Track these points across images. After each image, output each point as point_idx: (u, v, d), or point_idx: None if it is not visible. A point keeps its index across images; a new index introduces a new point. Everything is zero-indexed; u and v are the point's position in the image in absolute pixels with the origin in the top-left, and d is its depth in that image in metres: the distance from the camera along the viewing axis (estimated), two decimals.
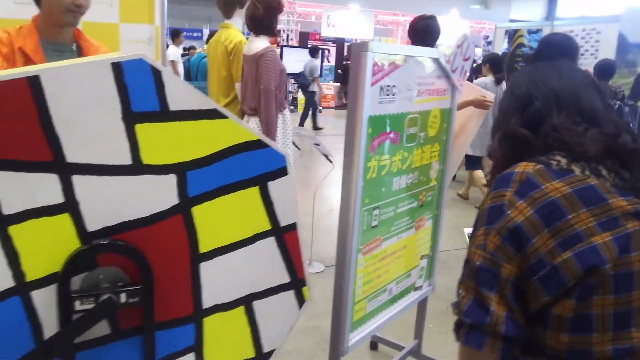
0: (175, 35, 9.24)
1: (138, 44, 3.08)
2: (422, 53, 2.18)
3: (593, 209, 1.02)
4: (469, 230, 1.88)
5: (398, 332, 2.96)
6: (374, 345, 3.04)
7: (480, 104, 2.95)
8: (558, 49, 2.75)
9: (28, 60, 1.94)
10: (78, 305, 1.08)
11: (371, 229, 2.04)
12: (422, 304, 2.74)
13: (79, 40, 2.03)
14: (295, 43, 17.11)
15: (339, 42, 17.40)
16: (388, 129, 2.00)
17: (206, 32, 13.19)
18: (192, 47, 12.39)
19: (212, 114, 1.16)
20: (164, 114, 1.12)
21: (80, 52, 2.04)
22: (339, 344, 1.97)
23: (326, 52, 16.18)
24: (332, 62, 17.14)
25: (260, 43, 3.04)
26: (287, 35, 17.72)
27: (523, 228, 1.02)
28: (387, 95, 1.93)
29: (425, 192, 2.38)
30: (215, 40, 3.37)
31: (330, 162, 4.11)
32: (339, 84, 16.05)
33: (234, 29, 3.37)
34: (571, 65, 1.26)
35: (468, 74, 2.50)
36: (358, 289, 2.04)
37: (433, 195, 2.48)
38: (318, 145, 4.04)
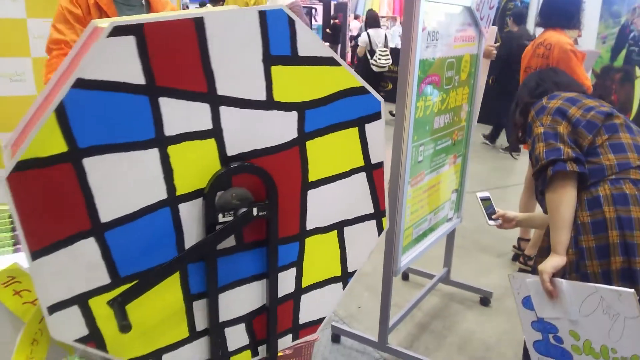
0: None
1: None
2: (459, 2, 2.40)
3: (594, 100, 1.79)
4: (481, 194, 2.15)
5: (423, 265, 3.26)
6: (405, 276, 3.32)
7: (488, 54, 3.15)
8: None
9: (102, 14, 2.05)
10: (221, 218, 1.26)
11: (417, 163, 2.28)
12: (450, 235, 3.05)
13: None
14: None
15: (325, 1, 16.66)
16: (433, 72, 2.22)
17: None
18: (203, 4, 12.25)
19: (330, 61, 1.34)
20: (293, 58, 1.28)
21: (148, 7, 2.15)
22: (393, 265, 2.22)
23: (313, 11, 15.80)
24: (320, 22, 16.66)
25: None
26: None
27: (561, 106, 1.75)
28: (433, 40, 2.15)
29: (457, 132, 2.63)
30: None
31: None
32: (327, 43, 15.83)
33: None
34: (561, 70, 2.12)
35: (492, 21, 2.75)
36: (407, 217, 2.28)
37: (463, 135, 2.73)
38: None
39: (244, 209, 1.25)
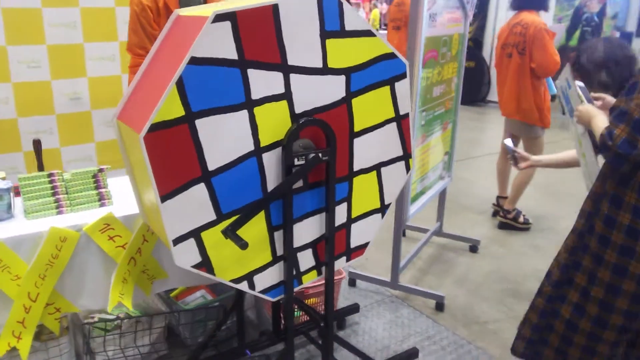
0: None
1: None
2: None
3: None
4: (507, 141, 2.42)
5: (417, 223, 3.67)
6: (403, 233, 3.74)
7: None
8: None
9: (169, 13, 2.31)
10: (296, 162, 1.58)
11: (421, 126, 2.64)
12: (442, 193, 3.44)
13: None
14: None
15: None
16: (432, 48, 2.57)
17: None
18: None
19: (368, 33, 1.65)
20: (342, 32, 1.59)
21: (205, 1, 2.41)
22: (403, 213, 2.60)
23: None
24: None
25: None
26: None
27: None
28: (433, 21, 2.50)
29: (448, 101, 3.01)
30: None
31: None
32: None
33: None
34: None
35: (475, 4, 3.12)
36: (414, 173, 2.66)
37: (452, 104, 3.11)
38: None
39: (312, 154, 1.58)
